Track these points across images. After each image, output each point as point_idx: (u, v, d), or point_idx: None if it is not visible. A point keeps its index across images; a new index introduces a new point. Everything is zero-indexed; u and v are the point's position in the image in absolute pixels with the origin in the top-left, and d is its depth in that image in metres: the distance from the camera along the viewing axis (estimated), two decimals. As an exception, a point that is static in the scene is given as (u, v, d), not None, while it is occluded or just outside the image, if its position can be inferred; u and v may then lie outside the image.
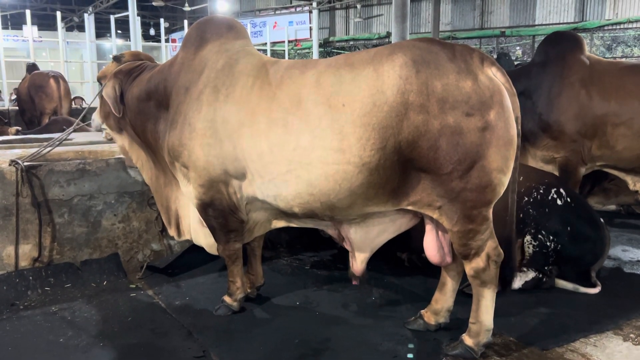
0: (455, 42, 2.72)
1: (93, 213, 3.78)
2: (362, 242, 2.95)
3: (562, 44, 4.60)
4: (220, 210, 3.00)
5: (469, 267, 2.69)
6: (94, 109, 3.81)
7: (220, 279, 3.81)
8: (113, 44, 17.04)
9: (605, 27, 18.43)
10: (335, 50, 24.33)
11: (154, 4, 22.05)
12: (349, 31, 25.24)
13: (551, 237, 3.56)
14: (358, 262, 2.99)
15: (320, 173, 2.59)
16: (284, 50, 19.90)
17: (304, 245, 4.45)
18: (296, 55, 24.56)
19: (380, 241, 2.95)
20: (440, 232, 2.81)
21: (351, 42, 24.56)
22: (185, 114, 2.94)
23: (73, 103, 10.11)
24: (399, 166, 2.55)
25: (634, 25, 17.75)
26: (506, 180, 2.58)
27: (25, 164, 3.55)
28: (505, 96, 2.53)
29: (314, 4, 21.61)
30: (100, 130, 3.63)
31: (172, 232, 3.47)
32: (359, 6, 23.77)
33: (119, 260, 3.86)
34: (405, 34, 8.15)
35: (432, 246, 2.83)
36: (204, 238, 3.31)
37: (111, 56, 3.62)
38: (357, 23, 24.55)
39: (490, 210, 2.62)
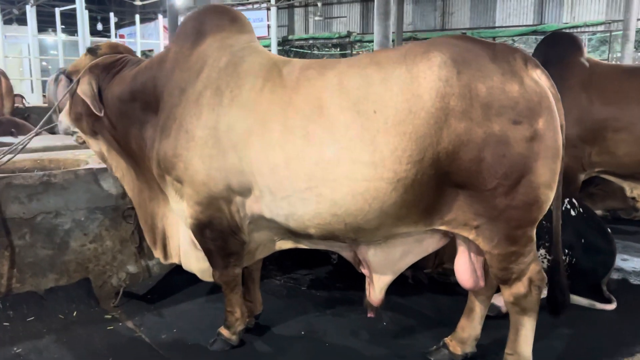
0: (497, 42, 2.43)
1: (59, 233, 3.25)
2: (383, 265, 2.60)
3: (561, 46, 4.43)
4: (219, 231, 2.59)
5: (508, 293, 2.41)
6: (48, 109, 3.26)
7: (207, 304, 3.38)
8: (58, 38, 16.03)
9: (563, 30, 19.06)
10: (295, 49, 23.92)
11: (102, -4, 20.96)
12: (308, 30, 24.92)
13: (566, 251, 3.36)
14: (377, 290, 2.64)
15: (347, 191, 2.23)
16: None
17: (295, 262, 4.05)
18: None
19: (403, 264, 2.62)
20: (472, 254, 2.51)
21: (310, 41, 24.24)
22: (181, 120, 2.50)
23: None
24: (435, 181, 2.24)
25: (590, 28, 18.40)
26: (552, 195, 2.33)
27: (-24, 176, 3.01)
28: (553, 102, 2.28)
29: (272, 1, 21.13)
30: (69, 133, 3.12)
31: (157, 254, 3.01)
32: (319, 4, 23.45)
33: (90, 286, 3.34)
34: (387, 32, 7.92)
35: (465, 269, 2.52)
36: (196, 262, 2.87)
37: (85, 49, 3.11)
38: (317, 22, 24.25)
39: (534, 230, 2.35)
